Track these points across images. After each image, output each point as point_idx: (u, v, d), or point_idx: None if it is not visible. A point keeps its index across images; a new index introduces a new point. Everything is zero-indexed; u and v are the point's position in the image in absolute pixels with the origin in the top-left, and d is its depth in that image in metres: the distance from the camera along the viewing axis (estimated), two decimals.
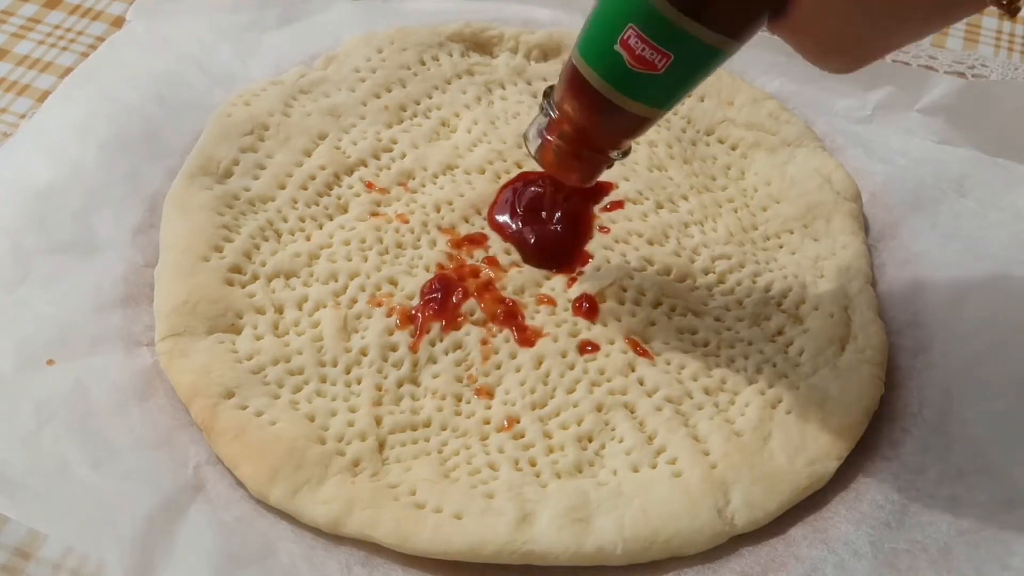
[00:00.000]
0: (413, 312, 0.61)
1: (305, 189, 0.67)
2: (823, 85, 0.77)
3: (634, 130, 0.53)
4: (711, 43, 0.47)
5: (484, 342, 0.60)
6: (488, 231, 0.66)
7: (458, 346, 0.60)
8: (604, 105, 0.51)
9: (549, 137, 0.55)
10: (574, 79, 0.51)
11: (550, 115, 0.54)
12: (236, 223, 0.65)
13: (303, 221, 0.66)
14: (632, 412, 0.58)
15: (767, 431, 0.57)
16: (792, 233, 0.68)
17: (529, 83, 0.77)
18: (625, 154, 0.56)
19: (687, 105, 0.75)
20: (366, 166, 0.69)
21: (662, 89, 0.50)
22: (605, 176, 0.69)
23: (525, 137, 0.57)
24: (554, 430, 0.57)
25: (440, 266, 0.64)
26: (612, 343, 0.61)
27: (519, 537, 0.52)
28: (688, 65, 0.49)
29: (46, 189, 0.65)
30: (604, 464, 0.56)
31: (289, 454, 0.54)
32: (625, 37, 0.48)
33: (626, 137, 0.55)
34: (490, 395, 0.59)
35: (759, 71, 0.78)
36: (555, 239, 0.65)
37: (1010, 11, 0.44)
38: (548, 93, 0.55)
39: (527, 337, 0.61)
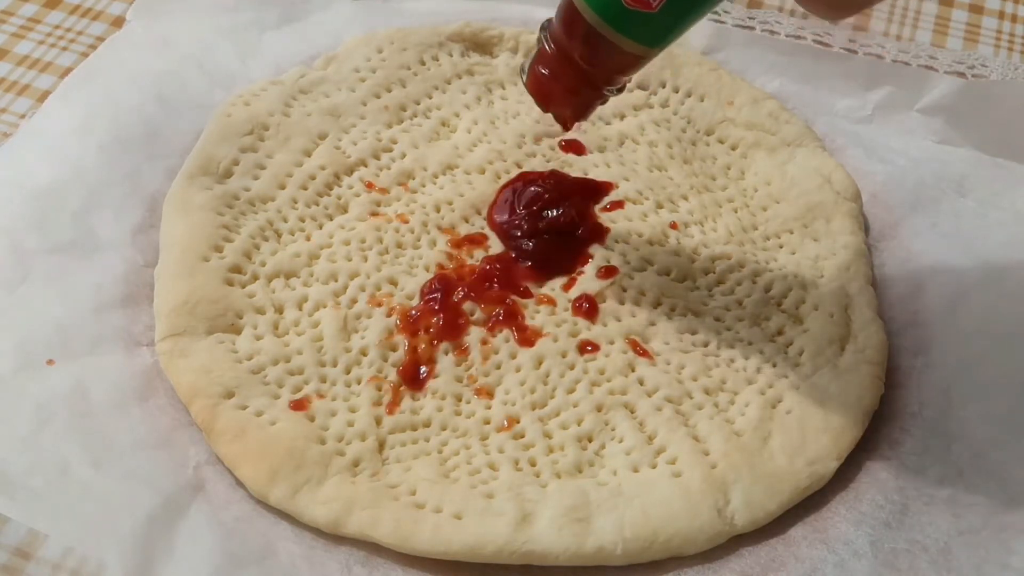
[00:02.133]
0: (412, 313, 0.61)
1: (305, 189, 0.67)
2: (823, 85, 0.77)
3: (628, 67, 0.54)
4: None
5: (484, 342, 0.60)
6: (488, 231, 0.66)
7: (458, 346, 0.60)
8: (598, 41, 0.51)
9: (544, 70, 0.55)
10: (569, 13, 0.52)
11: (546, 48, 0.54)
12: (236, 223, 0.65)
13: (303, 221, 0.66)
14: (632, 412, 0.58)
15: (767, 431, 0.57)
16: (792, 233, 0.68)
17: None
18: (620, 90, 0.56)
19: (687, 105, 0.75)
20: (366, 166, 0.69)
21: (656, 28, 0.50)
22: (605, 176, 0.70)
23: (521, 69, 0.57)
24: (554, 430, 0.57)
25: (440, 266, 0.64)
26: (612, 343, 0.61)
27: (519, 537, 0.52)
28: (682, 5, 0.49)
29: (46, 189, 0.65)
30: (604, 464, 0.56)
31: (289, 454, 0.54)
32: None
33: (620, 73, 0.54)
34: (490, 395, 0.59)
35: (759, 71, 0.78)
36: (551, 251, 0.65)
37: None
38: (545, 26, 0.55)
39: (527, 337, 0.61)
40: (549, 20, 0.54)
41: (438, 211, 0.67)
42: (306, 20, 0.80)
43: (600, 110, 0.73)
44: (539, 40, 0.55)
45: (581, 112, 0.58)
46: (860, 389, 0.59)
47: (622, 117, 0.74)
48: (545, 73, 0.55)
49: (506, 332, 0.61)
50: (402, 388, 0.58)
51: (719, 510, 0.54)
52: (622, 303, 0.63)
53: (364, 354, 0.60)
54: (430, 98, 0.74)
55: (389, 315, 0.61)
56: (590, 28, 0.51)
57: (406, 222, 0.66)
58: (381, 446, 0.56)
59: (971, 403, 0.59)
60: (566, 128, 0.60)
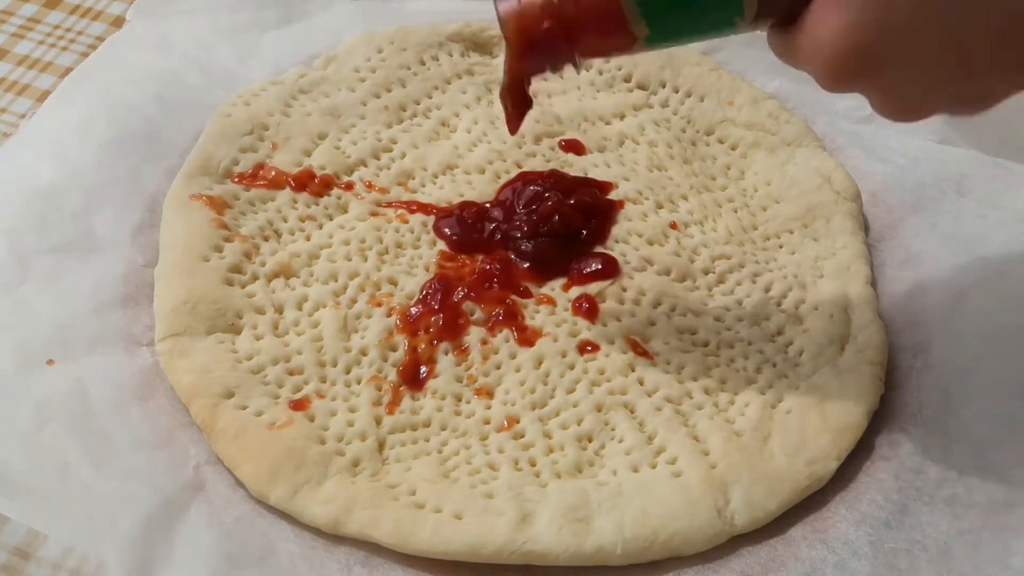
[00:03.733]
0: (412, 313, 0.61)
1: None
2: None
3: (616, 49, 0.50)
4: None
5: (484, 342, 0.60)
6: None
7: (458, 346, 0.60)
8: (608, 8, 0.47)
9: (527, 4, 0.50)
10: None
11: None
12: (236, 223, 0.65)
13: (303, 221, 0.66)
14: (632, 412, 0.58)
15: (767, 431, 0.57)
16: (792, 233, 0.68)
17: None
18: (584, 68, 0.54)
19: (687, 105, 0.75)
20: (366, 166, 0.69)
21: (675, 17, 0.48)
22: (605, 176, 0.69)
23: None
24: (554, 430, 0.57)
25: (440, 266, 0.64)
26: (612, 343, 0.61)
27: (519, 537, 0.52)
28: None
29: (46, 189, 0.65)
30: (604, 464, 0.56)
31: (289, 454, 0.54)
32: None
33: (602, 53, 0.52)
34: (490, 395, 0.59)
35: (759, 71, 0.78)
36: (551, 252, 0.64)
37: None
38: None
39: (527, 337, 0.61)
40: None
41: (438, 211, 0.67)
42: (306, 20, 0.80)
43: (600, 110, 0.74)
44: None
45: (537, 68, 0.52)
46: (860, 389, 0.59)
47: (622, 117, 0.74)
48: (525, 10, 0.49)
49: (506, 332, 0.61)
50: (402, 388, 0.58)
51: (719, 510, 0.54)
52: (622, 303, 0.63)
53: (364, 354, 0.60)
54: (430, 98, 0.74)
55: (389, 315, 0.61)
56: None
57: (406, 222, 0.66)
58: (381, 446, 0.56)
59: (971, 403, 0.59)
60: (509, 84, 0.55)
